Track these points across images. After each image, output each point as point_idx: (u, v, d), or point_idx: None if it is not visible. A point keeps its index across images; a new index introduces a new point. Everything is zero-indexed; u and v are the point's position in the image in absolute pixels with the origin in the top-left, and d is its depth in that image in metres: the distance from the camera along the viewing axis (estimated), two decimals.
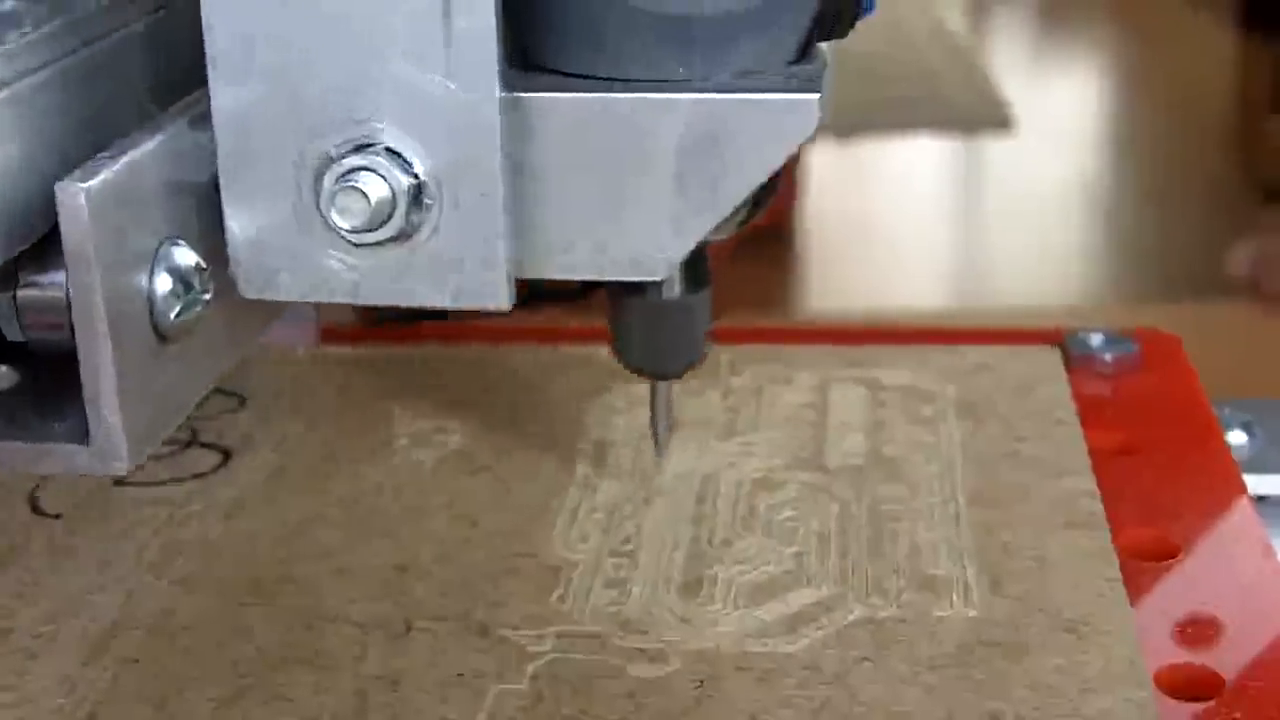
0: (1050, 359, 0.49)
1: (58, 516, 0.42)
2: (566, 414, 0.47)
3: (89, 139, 0.30)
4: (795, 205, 1.91)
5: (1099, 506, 0.41)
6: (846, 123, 2.15)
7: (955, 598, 0.37)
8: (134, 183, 0.29)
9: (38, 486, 0.43)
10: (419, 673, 0.35)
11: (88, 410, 0.28)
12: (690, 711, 0.34)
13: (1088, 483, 0.42)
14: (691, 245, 0.31)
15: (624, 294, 0.36)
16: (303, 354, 0.50)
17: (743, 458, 0.44)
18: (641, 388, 0.42)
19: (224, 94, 0.30)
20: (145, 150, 0.29)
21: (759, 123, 0.30)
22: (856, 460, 0.44)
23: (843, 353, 0.50)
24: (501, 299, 0.31)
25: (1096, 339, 0.49)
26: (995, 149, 2.17)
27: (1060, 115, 2.32)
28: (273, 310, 0.33)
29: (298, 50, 0.30)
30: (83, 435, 0.29)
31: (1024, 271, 1.80)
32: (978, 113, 2.26)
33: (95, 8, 0.31)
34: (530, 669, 0.35)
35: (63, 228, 0.27)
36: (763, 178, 0.31)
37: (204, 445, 0.45)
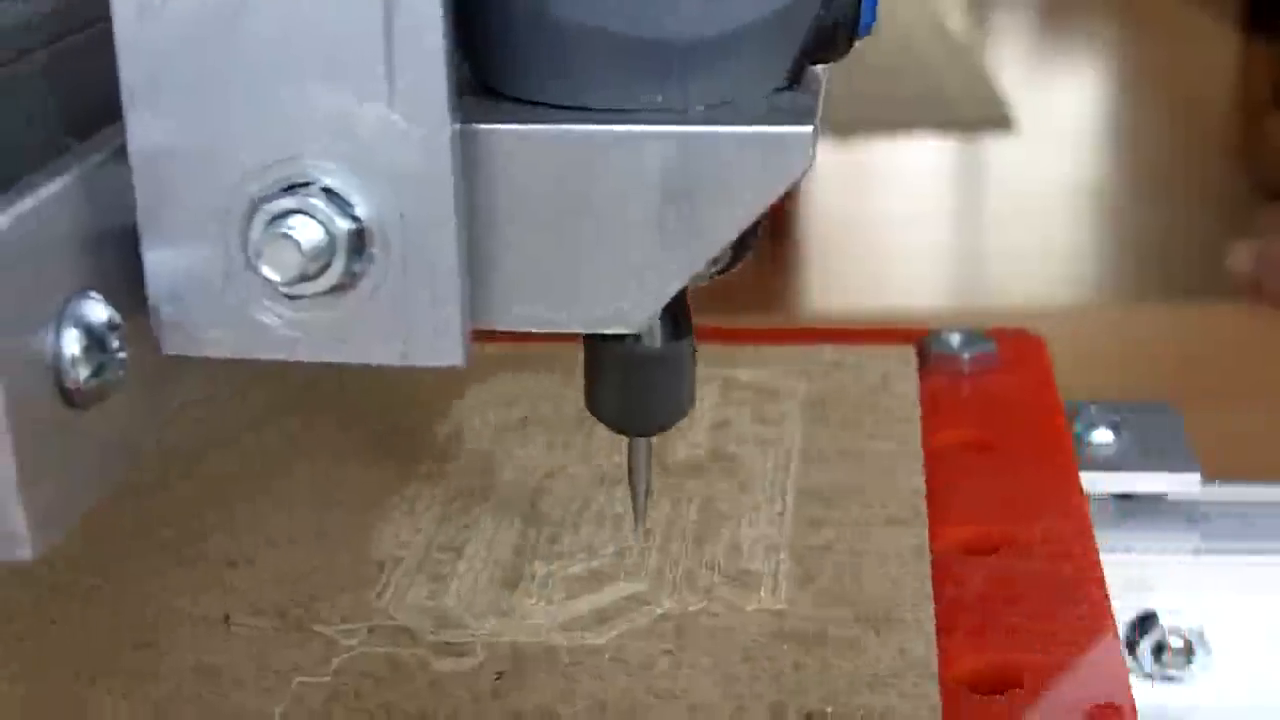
0: (905, 358, 0.50)
1: None
2: (420, 409, 0.47)
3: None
4: (795, 205, 1.89)
5: (922, 504, 0.41)
6: (846, 121, 2.14)
7: (764, 592, 0.38)
8: (38, 229, 0.25)
9: None
10: (231, 666, 0.36)
11: None
12: (484, 700, 0.34)
13: (917, 480, 0.43)
14: (669, 296, 0.28)
15: (598, 343, 0.33)
16: None
17: (585, 454, 0.44)
18: (499, 387, 0.45)
19: (141, 127, 0.27)
20: (52, 191, 0.26)
21: (745, 159, 0.27)
22: (695, 457, 0.44)
23: (705, 351, 0.49)
24: (456, 356, 0.28)
25: (955, 338, 0.50)
26: (995, 149, 2.16)
27: (1060, 115, 2.32)
28: (202, 369, 0.30)
29: (223, 83, 0.26)
30: None
31: (1024, 271, 1.79)
32: (978, 113, 2.26)
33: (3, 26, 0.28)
34: (335, 662, 0.36)
35: None
36: (749, 220, 0.27)
37: None
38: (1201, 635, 0.44)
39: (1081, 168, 2.12)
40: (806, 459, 0.44)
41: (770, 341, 0.51)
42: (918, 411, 0.47)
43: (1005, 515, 0.41)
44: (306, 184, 0.26)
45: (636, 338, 0.32)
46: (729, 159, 0.27)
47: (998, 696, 0.34)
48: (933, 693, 0.34)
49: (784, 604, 0.38)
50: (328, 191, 0.26)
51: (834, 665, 0.35)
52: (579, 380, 0.42)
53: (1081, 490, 0.43)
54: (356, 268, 0.27)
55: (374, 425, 0.46)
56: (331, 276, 0.27)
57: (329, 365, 0.45)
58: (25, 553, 0.25)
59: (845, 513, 0.41)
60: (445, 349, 0.28)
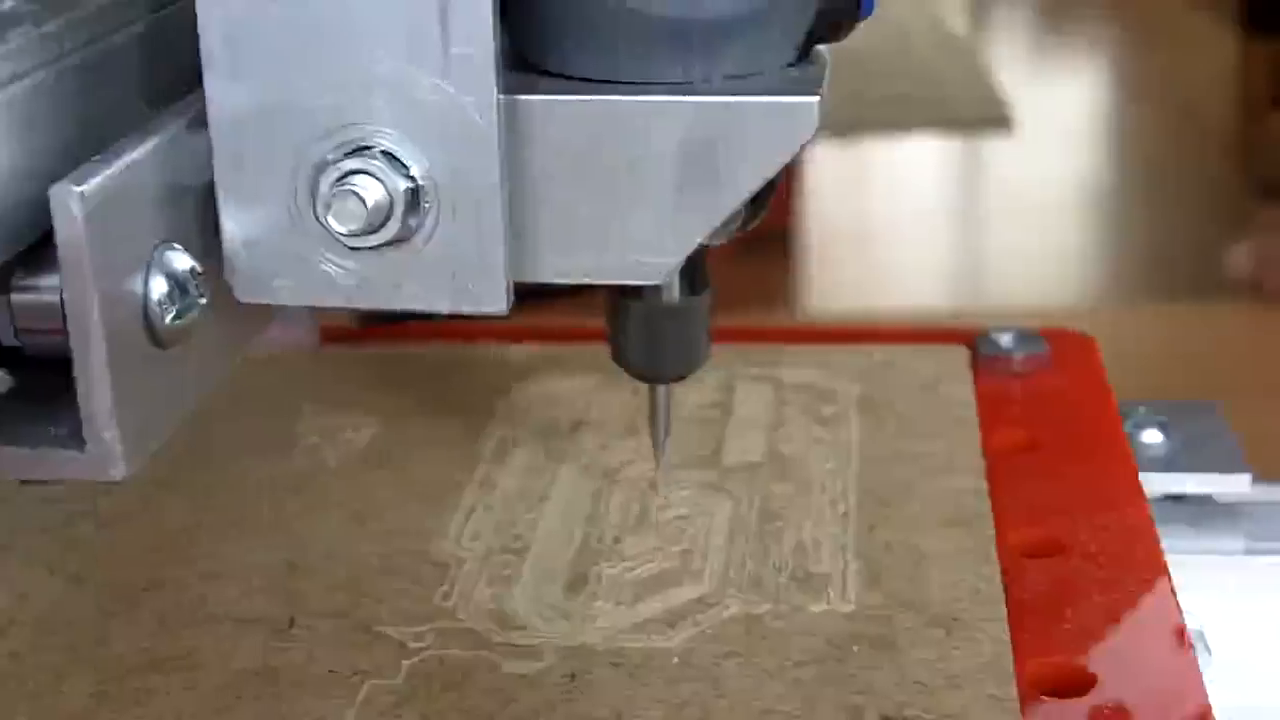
0: (957, 358, 0.49)
1: None
2: (473, 412, 0.47)
3: (85, 141, 0.30)
4: (795, 205, 1.91)
5: (985, 504, 0.41)
6: (846, 121, 2.16)
7: (832, 594, 0.38)
8: (129, 186, 0.29)
9: None
10: (296, 669, 0.36)
11: (82, 417, 0.28)
12: (557, 706, 0.34)
13: (977, 481, 0.42)
14: (690, 249, 0.31)
15: (623, 298, 0.36)
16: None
17: (642, 456, 0.44)
18: (542, 388, 0.45)
19: (219, 96, 0.30)
20: (141, 153, 0.29)
21: (758, 126, 0.30)
22: (753, 458, 0.44)
23: (751, 352, 0.50)
24: (500, 303, 0.31)
25: (1006, 339, 0.49)
26: (995, 149, 2.17)
27: (1060, 115, 2.33)
28: (268, 314, 0.33)
29: (293, 52, 0.29)
30: (79, 441, 0.28)
31: (1024, 271, 1.80)
32: (978, 113, 2.26)
33: (94, 8, 0.31)
34: (406, 665, 0.36)
35: (57, 232, 0.27)
36: (761, 181, 0.31)
37: None
38: (1201, 635, 0.43)
39: (1081, 168, 2.14)
40: (865, 460, 0.44)
41: (815, 341, 0.51)
42: (974, 411, 0.46)
43: (1066, 517, 0.41)
44: (368, 147, 0.30)
45: (658, 292, 0.36)
46: (745, 126, 0.30)
47: (1072, 700, 0.34)
48: (1011, 695, 0.34)
49: (853, 605, 0.37)
50: (387, 154, 0.30)
51: (907, 668, 0.35)
52: (626, 382, 0.43)
53: (1142, 491, 0.42)
54: (412, 222, 0.30)
55: (423, 427, 0.46)
56: (390, 230, 0.30)
57: (387, 376, 0.48)
58: (119, 472, 0.29)
59: (907, 514, 0.41)
60: (490, 296, 0.31)
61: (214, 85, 0.30)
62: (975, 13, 2.92)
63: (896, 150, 2.21)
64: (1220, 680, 0.43)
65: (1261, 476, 0.47)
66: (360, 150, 0.30)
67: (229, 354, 0.32)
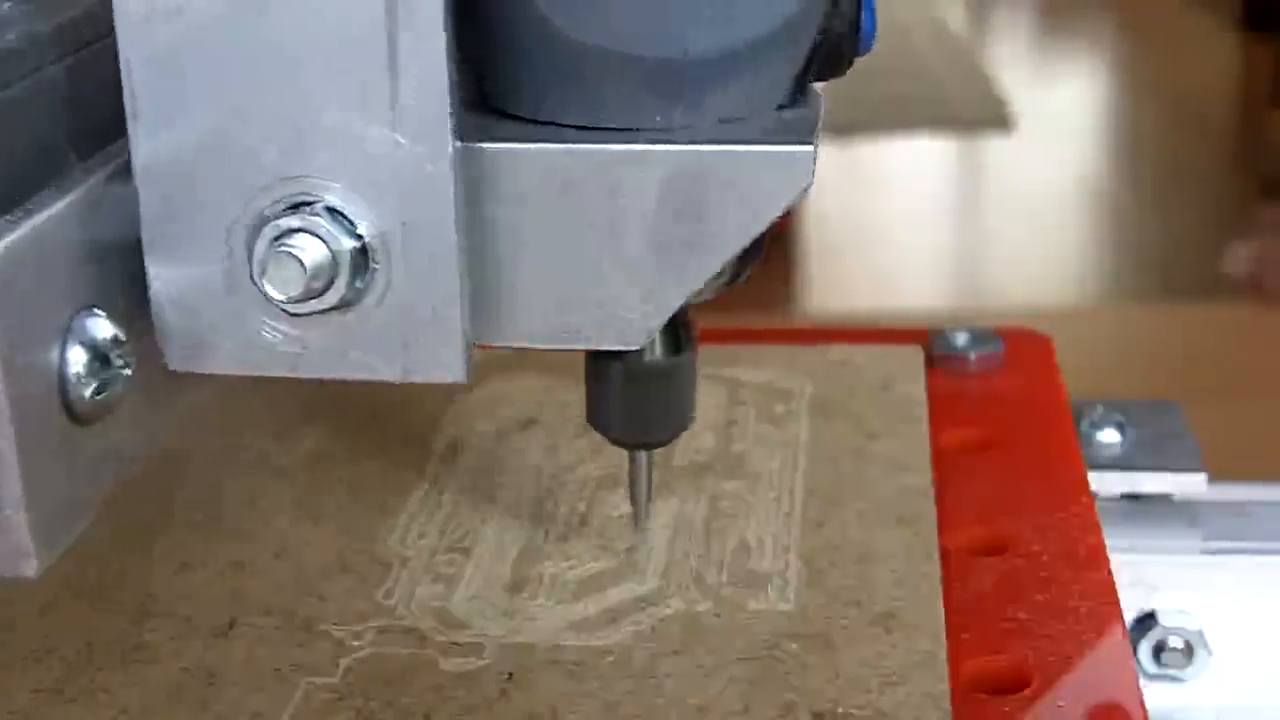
0: (912, 357, 0.50)
1: None
2: (423, 413, 0.47)
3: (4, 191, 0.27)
4: (796, 206, 1.89)
5: (930, 503, 0.41)
6: (846, 121, 2.14)
7: (772, 592, 0.38)
8: (44, 247, 0.26)
9: None
10: (235, 667, 0.36)
11: None
12: (493, 704, 0.34)
13: (924, 480, 0.42)
14: (670, 313, 0.28)
15: (600, 358, 0.33)
16: None
17: (591, 455, 0.44)
18: (501, 387, 0.46)
19: (146, 145, 0.27)
20: (58, 209, 0.26)
21: (746, 177, 0.27)
22: (703, 458, 0.44)
23: (710, 352, 0.49)
24: (457, 372, 0.28)
25: (961, 338, 0.49)
26: (995, 149, 2.18)
27: (1060, 115, 2.33)
28: (203, 381, 0.30)
29: (228, 97, 0.26)
30: None
31: (1023, 271, 1.80)
32: (977, 113, 2.27)
33: (6, 49, 0.28)
34: (344, 663, 0.36)
35: None
36: (749, 238, 0.28)
37: None
38: (1201, 635, 0.44)
39: (1081, 168, 2.14)
40: (814, 458, 0.44)
41: (775, 341, 0.51)
42: (925, 411, 0.46)
43: (1012, 515, 0.41)
44: (311, 202, 0.27)
45: (639, 352, 0.32)
46: (735, 176, 0.27)
47: (1007, 697, 0.34)
48: (943, 693, 0.34)
49: (791, 604, 0.37)
50: (331, 210, 0.27)
51: (843, 665, 0.35)
52: (578, 381, 0.42)
53: (1089, 490, 0.42)
54: (359, 284, 0.27)
55: (375, 428, 0.46)
56: (335, 294, 0.27)
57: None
58: (31, 569, 0.26)
59: (853, 512, 0.41)
60: (447, 365, 0.28)
61: (140, 135, 0.27)
62: (975, 13, 2.93)
63: (896, 150, 2.21)
64: (1220, 680, 0.44)
65: (1265, 476, 0.48)
66: (302, 205, 0.27)
67: (157, 427, 0.29)
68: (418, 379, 0.28)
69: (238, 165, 0.27)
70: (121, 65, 0.26)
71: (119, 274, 0.28)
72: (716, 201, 0.27)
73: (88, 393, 0.26)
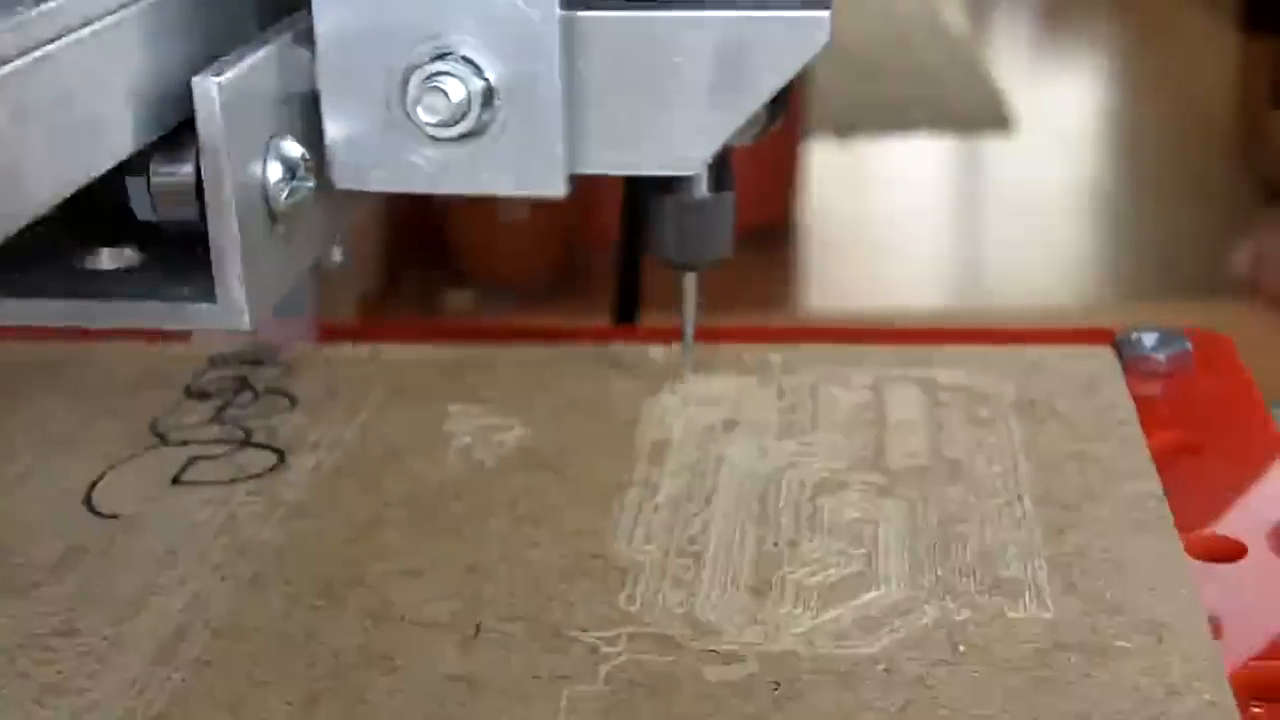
0: (1105, 358, 0.49)
1: (114, 517, 0.42)
2: (623, 413, 0.47)
3: (208, 51, 0.35)
4: (795, 205, 1.95)
5: (1166, 509, 0.41)
6: (847, 121, 2.19)
7: (1029, 600, 0.37)
8: (252, 83, 0.34)
9: (93, 486, 0.44)
10: (492, 674, 0.35)
11: (215, 274, 0.33)
12: (770, 715, 0.34)
13: (1153, 485, 0.42)
14: (720, 143, 0.37)
15: (659, 193, 0.42)
16: (351, 354, 0.51)
17: (803, 458, 0.44)
18: (695, 389, 0.46)
19: (325, 14, 0.36)
20: (260, 57, 0.35)
21: (778, 36, 0.36)
22: (918, 461, 0.43)
23: (895, 352, 0.50)
24: (559, 188, 0.36)
25: (1150, 339, 0.49)
26: (995, 149, 2.20)
27: (1060, 115, 2.35)
28: (357, 204, 0.39)
29: None
30: (210, 296, 0.34)
31: (1024, 271, 1.83)
32: (977, 113, 2.29)
33: None
34: (604, 670, 0.35)
35: (199, 116, 0.33)
36: (781, 84, 0.36)
37: (257, 445, 0.46)
38: None
39: (1081, 168, 2.16)
40: (1032, 462, 0.43)
41: (962, 341, 0.50)
42: (1134, 414, 0.45)
43: (1240, 520, 0.40)
44: (450, 53, 0.35)
45: (691, 188, 0.41)
46: (769, 36, 0.36)
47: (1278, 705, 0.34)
48: (1231, 702, 0.33)
49: (1052, 612, 0.37)
50: (465, 59, 0.35)
51: (1121, 674, 0.34)
52: (775, 382, 0.46)
53: None
54: (486, 117, 0.36)
55: (575, 426, 0.46)
56: (469, 122, 0.35)
57: (532, 378, 0.49)
58: (245, 323, 0.34)
59: (1088, 518, 0.40)
60: (550, 182, 0.36)
61: (320, 6, 0.35)
62: (975, 13, 2.94)
63: (896, 150, 2.24)
64: None
65: None
66: (443, 55, 0.35)
67: (329, 234, 0.38)
68: (528, 193, 0.36)
69: (393, 27, 0.35)
70: None
71: (303, 111, 0.36)
72: (755, 55, 0.36)
73: (283, 197, 0.35)
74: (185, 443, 0.46)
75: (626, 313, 0.59)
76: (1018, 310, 1.62)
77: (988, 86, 2.41)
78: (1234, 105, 2.40)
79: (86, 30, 0.31)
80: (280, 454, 0.45)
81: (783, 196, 1.91)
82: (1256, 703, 0.34)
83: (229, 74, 0.33)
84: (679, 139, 0.37)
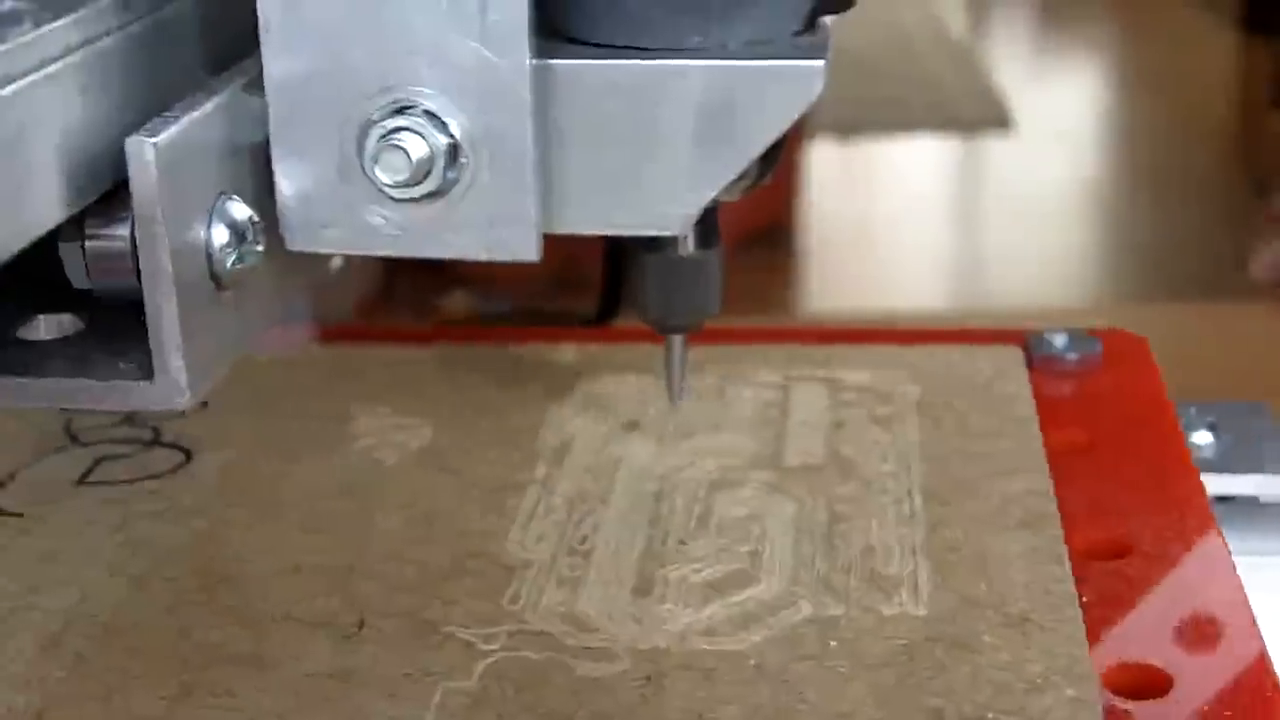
0: (1012, 358, 0.49)
1: (19, 515, 0.43)
2: (529, 414, 0.47)
3: (149, 102, 0.32)
4: (795, 205, 1.93)
5: (1052, 505, 0.41)
6: (847, 121, 2.17)
7: (904, 596, 0.38)
8: (195, 141, 0.31)
9: (3, 486, 0.44)
10: (366, 670, 0.36)
11: (152, 349, 0.31)
12: (634, 709, 0.34)
13: (1042, 481, 0.42)
14: (705, 202, 0.34)
15: (642, 252, 0.39)
16: (264, 356, 0.51)
17: (702, 457, 0.44)
18: (601, 389, 0.46)
19: (275, 62, 0.33)
20: (204, 111, 0.32)
21: (769, 88, 0.33)
22: (814, 460, 0.44)
23: (806, 353, 0.50)
24: (531, 253, 0.33)
25: (1060, 339, 0.49)
26: (995, 149, 2.18)
27: (1060, 115, 2.33)
28: (316, 266, 0.36)
29: (343, 22, 0.32)
30: (147, 373, 0.31)
31: (1024, 271, 1.81)
32: (977, 113, 2.27)
33: None
34: (479, 667, 0.36)
35: (132, 180, 0.30)
36: (771, 139, 0.33)
37: (166, 445, 0.46)
38: None
39: (1081, 168, 2.13)
40: (927, 460, 0.44)
41: (863, 342, 0.51)
42: (1034, 411, 0.46)
43: (1131, 518, 0.41)
44: (411, 106, 0.32)
45: (674, 246, 0.38)
46: (759, 87, 0.33)
47: (1147, 703, 0.34)
48: (1094, 698, 0.34)
49: (925, 608, 0.37)
50: (428, 113, 0.32)
51: (987, 670, 0.35)
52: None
53: (1204, 492, 0.42)
54: (451, 175, 0.33)
55: (479, 428, 0.46)
56: (432, 181, 0.32)
57: (444, 378, 0.49)
58: (183, 402, 0.31)
59: (972, 514, 0.41)
60: (522, 246, 0.33)
61: (270, 53, 0.32)
62: (975, 13, 2.93)
63: (896, 150, 2.22)
64: None
65: None
66: (404, 110, 0.32)
67: (280, 302, 0.35)
68: (498, 258, 0.33)
69: (350, 78, 0.32)
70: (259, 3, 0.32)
71: (252, 168, 0.33)
72: (744, 108, 0.33)
73: (229, 262, 0.32)
74: (95, 443, 0.46)
75: (608, 310, 0.58)
76: (1017, 310, 1.58)
77: (988, 86, 2.39)
78: (1234, 105, 2.38)
79: (9, 89, 0.28)
80: (187, 453, 0.46)
81: (783, 196, 1.89)
82: (1131, 701, 0.34)
83: (168, 131, 0.30)
84: (662, 197, 0.34)
